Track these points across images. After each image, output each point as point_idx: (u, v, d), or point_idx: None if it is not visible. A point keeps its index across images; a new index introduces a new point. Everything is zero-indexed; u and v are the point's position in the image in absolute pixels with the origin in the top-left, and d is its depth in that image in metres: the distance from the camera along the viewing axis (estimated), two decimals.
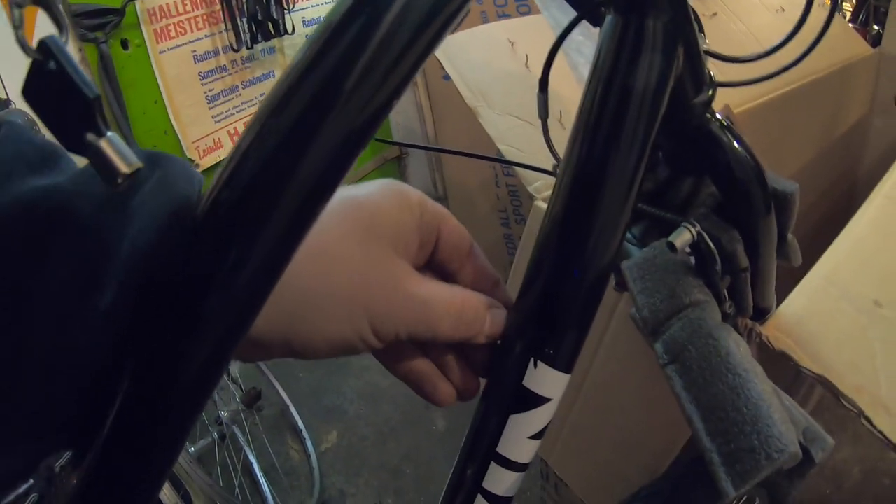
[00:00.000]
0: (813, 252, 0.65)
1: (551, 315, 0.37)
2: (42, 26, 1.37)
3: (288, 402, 1.94)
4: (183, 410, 0.28)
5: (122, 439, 0.28)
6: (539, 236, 0.38)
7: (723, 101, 1.05)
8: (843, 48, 1.45)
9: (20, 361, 0.25)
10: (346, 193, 0.36)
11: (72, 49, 1.56)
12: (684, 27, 0.35)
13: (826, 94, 1.39)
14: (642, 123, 0.35)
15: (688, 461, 0.66)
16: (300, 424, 1.91)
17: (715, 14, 1.28)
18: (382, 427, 1.97)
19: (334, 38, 0.24)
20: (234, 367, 1.98)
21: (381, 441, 1.92)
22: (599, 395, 0.74)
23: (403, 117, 2.76)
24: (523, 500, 1.63)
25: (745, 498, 0.90)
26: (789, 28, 0.41)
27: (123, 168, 0.23)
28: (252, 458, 1.79)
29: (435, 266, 0.40)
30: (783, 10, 1.32)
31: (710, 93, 0.39)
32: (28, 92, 0.23)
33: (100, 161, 0.23)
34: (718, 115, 0.40)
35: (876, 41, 1.59)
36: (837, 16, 1.76)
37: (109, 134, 0.23)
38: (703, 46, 0.39)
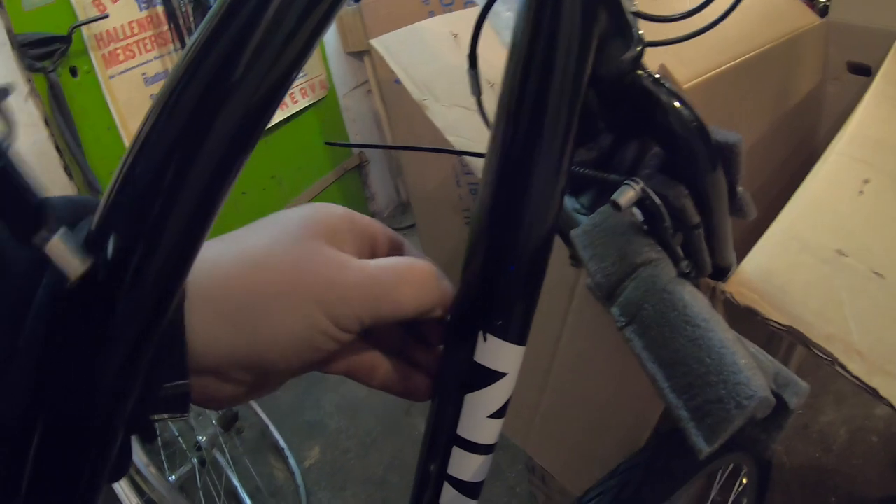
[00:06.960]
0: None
1: (496, 285, 0.36)
2: None
3: (267, 421, 1.91)
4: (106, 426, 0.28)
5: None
6: (476, 209, 0.37)
7: (682, 72, 1.05)
8: (791, 19, 1.47)
9: None
10: (271, 216, 0.36)
11: (20, 79, 1.51)
12: None
13: (777, 65, 1.41)
14: (567, 83, 0.34)
15: (666, 432, 0.65)
16: (281, 443, 1.88)
17: None
18: (364, 438, 1.94)
19: (226, 19, 0.25)
20: None
21: (363, 453, 1.90)
22: (569, 376, 0.73)
23: (360, 125, 2.74)
24: (514, 495, 1.62)
25: (731, 467, 0.89)
26: None
27: (73, 271, 0.23)
28: (235, 482, 1.75)
29: None
30: None
31: (639, 49, 0.38)
32: None
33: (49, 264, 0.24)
34: (652, 73, 0.39)
35: (824, 12, 1.61)
36: None
37: (58, 235, 0.23)
38: (631, 7, 0.38)
